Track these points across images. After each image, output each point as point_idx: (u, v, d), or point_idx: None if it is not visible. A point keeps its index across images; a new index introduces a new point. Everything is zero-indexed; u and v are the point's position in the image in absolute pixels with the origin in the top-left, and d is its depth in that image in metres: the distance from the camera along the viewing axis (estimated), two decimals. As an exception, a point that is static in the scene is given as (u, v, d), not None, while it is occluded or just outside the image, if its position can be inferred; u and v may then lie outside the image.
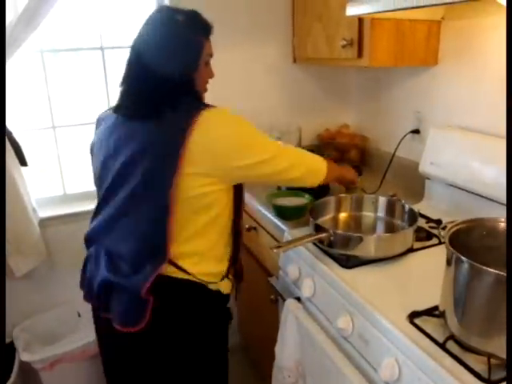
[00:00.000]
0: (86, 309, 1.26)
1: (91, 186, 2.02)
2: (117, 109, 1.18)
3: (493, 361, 0.81)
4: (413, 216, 1.29)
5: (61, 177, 2.04)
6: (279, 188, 1.68)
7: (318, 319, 1.23)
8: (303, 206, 1.51)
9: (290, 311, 1.29)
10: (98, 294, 1.16)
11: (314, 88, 2.22)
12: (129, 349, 1.17)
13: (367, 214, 1.45)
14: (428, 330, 0.93)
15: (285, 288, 1.42)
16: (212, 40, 1.20)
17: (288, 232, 1.45)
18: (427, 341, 0.90)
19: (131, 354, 1.18)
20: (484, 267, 0.78)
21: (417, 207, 1.39)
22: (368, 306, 1.03)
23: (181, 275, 1.14)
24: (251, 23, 2.00)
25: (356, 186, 1.59)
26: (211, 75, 1.24)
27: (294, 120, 2.16)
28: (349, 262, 1.20)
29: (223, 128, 1.10)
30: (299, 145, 2.12)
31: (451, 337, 0.88)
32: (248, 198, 1.73)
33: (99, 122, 1.28)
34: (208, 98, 1.25)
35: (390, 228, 1.39)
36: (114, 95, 1.99)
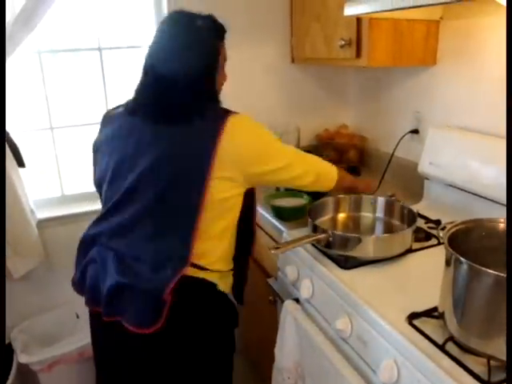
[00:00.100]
0: (85, 310, 1.25)
1: (89, 187, 2.04)
2: (133, 111, 1.18)
3: (492, 362, 0.81)
4: (412, 216, 1.29)
5: (59, 178, 2.03)
6: (278, 189, 1.68)
7: (317, 320, 1.23)
8: (302, 207, 1.51)
9: (288, 312, 1.29)
10: (109, 299, 1.12)
11: (312, 88, 2.21)
12: (140, 350, 1.15)
13: (366, 215, 1.45)
14: (427, 332, 0.92)
15: (283, 289, 1.42)
16: None
17: (286, 233, 1.45)
18: (426, 342, 0.90)
19: (142, 355, 1.16)
20: (483, 268, 0.78)
21: (416, 207, 1.38)
22: (367, 307, 1.02)
23: (196, 274, 1.14)
24: (249, 23, 2.00)
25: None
26: (225, 78, 1.27)
27: (293, 120, 2.16)
28: (347, 263, 1.20)
29: (247, 135, 1.14)
30: (298, 145, 2.11)
31: (450, 338, 0.88)
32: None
33: (107, 119, 1.27)
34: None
35: (389, 228, 1.39)
36: (112, 96, 1.99)
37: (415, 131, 1.81)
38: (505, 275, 0.74)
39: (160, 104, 1.14)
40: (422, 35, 1.62)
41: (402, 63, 1.65)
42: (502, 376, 0.80)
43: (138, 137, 1.15)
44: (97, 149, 1.27)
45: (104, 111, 1.29)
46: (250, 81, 2.08)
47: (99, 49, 1.94)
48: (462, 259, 0.81)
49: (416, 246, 1.28)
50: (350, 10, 1.40)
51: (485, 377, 0.80)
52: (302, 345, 1.24)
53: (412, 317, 0.96)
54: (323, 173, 1.34)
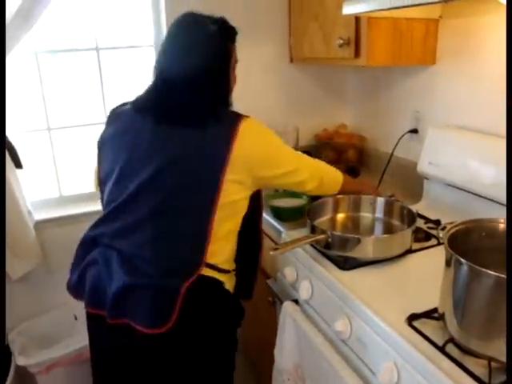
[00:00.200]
0: (83, 312, 1.23)
1: (87, 188, 2.04)
2: (143, 111, 1.18)
3: (493, 364, 0.80)
4: (411, 217, 1.28)
5: (56, 179, 2.02)
6: (276, 189, 1.67)
7: (316, 322, 1.22)
8: (300, 207, 1.50)
9: (287, 313, 1.28)
10: (115, 301, 1.10)
11: (311, 88, 2.21)
12: (146, 351, 1.14)
13: (365, 215, 1.44)
14: (427, 333, 0.91)
15: (283, 290, 1.41)
16: None
17: (285, 233, 1.44)
18: (426, 344, 0.89)
19: (147, 356, 1.14)
20: (483, 269, 0.77)
21: (415, 207, 1.38)
22: (366, 309, 1.01)
23: (207, 273, 1.14)
24: (248, 23, 1.99)
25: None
26: (236, 81, 1.28)
27: (291, 120, 2.15)
28: (346, 264, 1.19)
29: (258, 139, 1.16)
30: (296, 145, 2.10)
31: (451, 340, 0.87)
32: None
33: (114, 116, 1.26)
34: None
35: (389, 229, 1.38)
36: (109, 96, 1.98)
37: (414, 131, 1.81)
38: (505, 276, 0.74)
39: (170, 106, 1.15)
40: (421, 34, 1.61)
41: (401, 62, 1.65)
42: (502, 378, 0.79)
43: (150, 138, 1.14)
44: (102, 145, 1.25)
45: (102, 112, 1.28)
46: (249, 81, 2.07)
47: (97, 49, 1.93)
48: (462, 260, 0.80)
49: (416, 246, 1.28)
50: (348, 9, 1.39)
51: (485, 379, 0.79)
52: (301, 346, 1.23)
53: (412, 318, 0.96)
54: (329, 177, 1.37)
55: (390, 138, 1.90)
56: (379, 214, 1.43)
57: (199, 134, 1.12)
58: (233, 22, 1.21)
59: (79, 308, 1.30)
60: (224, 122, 1.14)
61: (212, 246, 1.13)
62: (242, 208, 1.20)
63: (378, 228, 1.41)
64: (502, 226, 0.94)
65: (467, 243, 0.91)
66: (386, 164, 1.79)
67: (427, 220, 1.45)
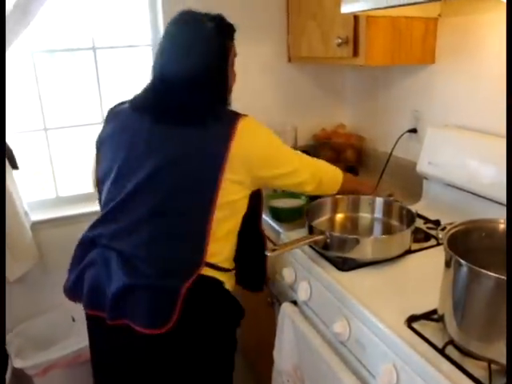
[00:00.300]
0: (81, 313, 1.22)
1: (84, 189, 2.03)
2: (141, 109, 1.17)
3: (493, 366, 0.79)
4: (410, 217, 1.27)
5: (53, 179, 2.01)
6: (275, 190, 1.66)
7: (315, 323, 1.21)
8: (299, 208, 1.49)
9: (286, 315, 1.27)
10: (115, 302, 1.09)
11: (309, 87, 2.20)
12: (146, 352, 1.13)
13: (364, 215, 1.43)
14: (426, 335, 0.90)
15: (281, 291, 1.40)
16: None
17: (284, 234, 1.43)
18: (426, 346, 0.88)
19: (147, 357, 1.13)
20: (483, 270, 0.76)
21: (414, 207, 1.37)
22: (365, 310, 1.01)
23: (207, 273, 1.13)
24: (245, 22, 1.97)
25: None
26: (235, 79, 1.27)
27: (290, 120, 2.14)
28: (345, 265, 1.18)
29: (255, 138, 1.15)
30: (295, 145, 2.09)
31: (450, 342, 0.86)
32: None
33: (112, 115, 1.25)
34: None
35: (388, 229, 1.37)
36: (106, 96, 1.96)
37: (413, 130, 1.80)
38: (505, 277, 0.73)
39: (168, 106, 1.14)
40: (420, 33, 1.60)
41: (400, 61, 1.64)
42: (502, 380, 0.78)
43: (149, 137, 1.14)
44: (100, 145, 1.25)
45: (99, 112, 1.27)
46: (247, 80, 2.05)
47: (93, 48, 1.92)
48: (461, 261, 0.79)
49: (415, 246, 1.27)
50: (346, 8, 1.38)
51: (485, 381, 0.78)
52: (300, 347, 1.22)
53: (411, 320, 0.95)
54: (329, 177, 1.36)
55: (389, 137, 1.89)
56: (378, 214, 1.42)
57: (200, 133, 1.11)
58: (230, 21, 1.20)
59: (76, 309, 1.30)
60: (223, 121, 1.13)
61: (212, 246, 1.13)
62: (242, 208, 1.19)
63: (377, 228, 1.40)
64: (502, 226, 0.93)
65: (467, 244, 0.90)
66: (384, 164, 1.78)
67: (426, 220, 1.44)
